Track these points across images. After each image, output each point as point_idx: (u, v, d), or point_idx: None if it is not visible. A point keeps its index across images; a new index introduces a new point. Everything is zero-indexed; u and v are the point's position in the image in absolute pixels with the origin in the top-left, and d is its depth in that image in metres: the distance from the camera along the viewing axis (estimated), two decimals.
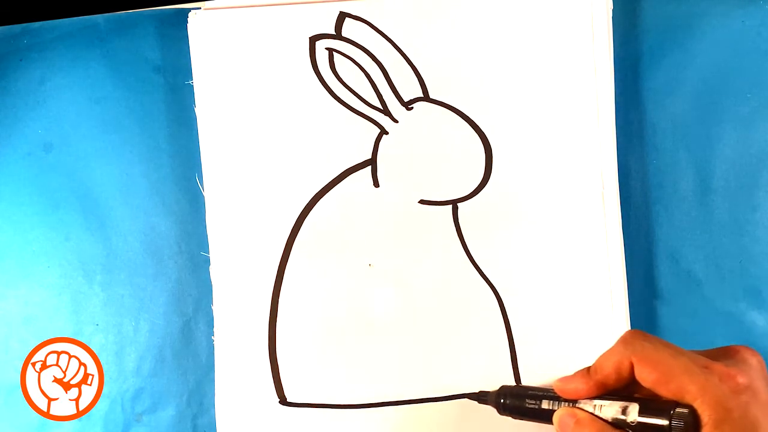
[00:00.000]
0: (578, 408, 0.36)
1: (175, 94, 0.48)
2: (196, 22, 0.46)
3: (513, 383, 0.45)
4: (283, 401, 0.46)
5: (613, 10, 0.45)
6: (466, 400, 0.45)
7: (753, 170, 0.46)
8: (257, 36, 0.46)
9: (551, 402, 0.38)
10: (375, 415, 0.45)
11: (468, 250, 0.46)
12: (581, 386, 0.36)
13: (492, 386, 0.43)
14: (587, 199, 0.45)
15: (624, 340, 0.35)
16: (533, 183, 0.46)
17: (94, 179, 0.48)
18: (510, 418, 0.40)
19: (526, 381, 0.45)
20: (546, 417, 0.38)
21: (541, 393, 0.39)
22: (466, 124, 0.46)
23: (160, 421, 0.47)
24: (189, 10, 0.47)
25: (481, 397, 0.43)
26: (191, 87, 0.47)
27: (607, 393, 0.36)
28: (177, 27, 0.47)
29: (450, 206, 0.46)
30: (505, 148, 0.46)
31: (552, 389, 0.38)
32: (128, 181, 0.48)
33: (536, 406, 0.39)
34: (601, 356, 0.36)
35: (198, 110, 0.47)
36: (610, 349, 0.35)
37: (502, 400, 0.41)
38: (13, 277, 0.48)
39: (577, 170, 0.45)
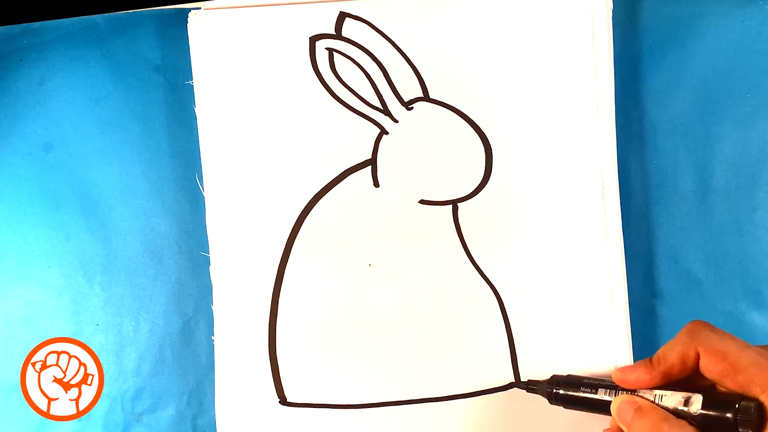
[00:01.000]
0: (639, 396, 0.35)
1: (175, 94, 0.48)
2: (196, 22, 0.46)
3: (512, 378, 0.45)
4: (283, 401, 0.46)
5: (613, 10, 0.45)
6: (465, 400, 0.45)
7: (753, 170, 0.46)
8: (257, 36, 0.46)
9: (608, 391, 0.37)
10: (375, 415, 0.45)
11: (468, 250, 0.46)
12: (644, 376, 0.35)
13: (494, 383, 0.43)
14: (587, 199, 0.45)
15: (689, 331, 0.35)
16: (533, 183, 0.46)
17: (94, 179, 0.48)
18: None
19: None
20: (601, 407, 0.37)
21: (596, 382, 0.39)
22: (466, 124, 0.46)
23: (160, 421, 0.47)
24: (189, 10, 0.47)
25: (530, 386, 0.42)
26: (191, 87, 0.47)
27: (669, 384, 0.35)
28: (177, 27, 0.47)
29: (450, 206, 0.46)
30: (505, 148, 0.46)
31: (608, 379, 0.38)
32: (128, 181, 0.48)
33: (591, 395, 0.38)
34: (664, 346, 0.35)
35: (198, 110, 0.47)
36: (675, 339, 0.35)
37: (554, 390, 0.40)
38: (13, 277, 0.48)
39: (577, 170, 0.45)
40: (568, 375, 0.41)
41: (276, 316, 0.46)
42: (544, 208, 0.45)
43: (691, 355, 0.34)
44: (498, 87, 0.46)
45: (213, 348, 0.46)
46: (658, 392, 0.35)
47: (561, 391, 0.40)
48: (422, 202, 0.46)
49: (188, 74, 0.47)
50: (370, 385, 0.45)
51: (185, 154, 0.48)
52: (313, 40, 0.46)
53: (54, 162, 0.48)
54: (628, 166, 0.47)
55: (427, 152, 0.46)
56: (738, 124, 0.46)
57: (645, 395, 0.35)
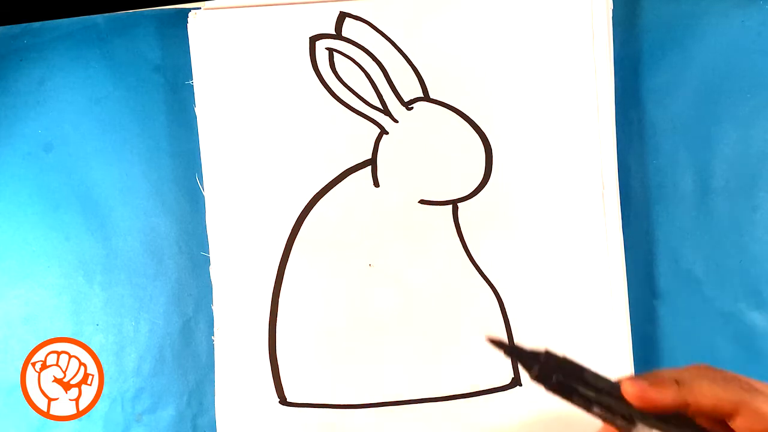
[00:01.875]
0: None
1: (175, 94, 0.48)
2: (196, 22, 0.46)
3: (510, 378, 0.45)
4: (283, 401, 0.46)
5: (613, 10, 0.45)
6: (465, 400, 0.45)
7: (753, 170, 0.46)
8: (257, 36, 0.46)
9: (609, 399, 0.30)
10: (375, 415, 0.45)
11: (468, 250, 0.46)
12: (667, 399, 0.30)
13: (494, 383, 0.42)
14: (587, 199, 0.45)
15: (726, 381, 0.30)
16: (533, 183, 0.46)
17: (94, 179, 0.48)
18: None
19: (525, 381, 0.45)
20: (588, 410, 0.30)
21: (595, 386, 0.30)
22: (466, 124, 0.46)
23: (160, 421, 0.47)
24: (189, 10, 0.47)
25: (514, 353, 0.31)
26: (191, 87, 0.47)
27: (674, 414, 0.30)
28: (177, 27, 0.47)
29: (450, 206, 0.46)
30: (505, 148, 0.46)
31: (612, 382, 0.30)
32: (128, 181, 0.48)
33: (586, 400, 0.30)
34: (698, 384, 0.30)
35: (198, 110, 0.47)
36: (717, 384, 0.30)
37: (550, 375, 0.30)
38: (13, 277, 0.48)
39: (577, 170, 0.45)
40: (564, 358, 0.31)
41: (276, 316, 0.46)
42: (544, 208, 0.45)
43: (727, 409, 0.30)
44: (498, 87, 0.46)
45: (213, 348, 0.46)
46: None
47: (554, 379, 0.30)
48: (422, 202, 0.46)
49: (188, 74, 0.47)
50: (369, 385, 0.45)
51: (185, 154, 0.48)
52: (313, 40, 0.46)
53: (54, 162, 0.48)
54: (628, 166, 0.47)
55: (427, 152, 0.46)
56: (738, 124, 0.46)
57: None
